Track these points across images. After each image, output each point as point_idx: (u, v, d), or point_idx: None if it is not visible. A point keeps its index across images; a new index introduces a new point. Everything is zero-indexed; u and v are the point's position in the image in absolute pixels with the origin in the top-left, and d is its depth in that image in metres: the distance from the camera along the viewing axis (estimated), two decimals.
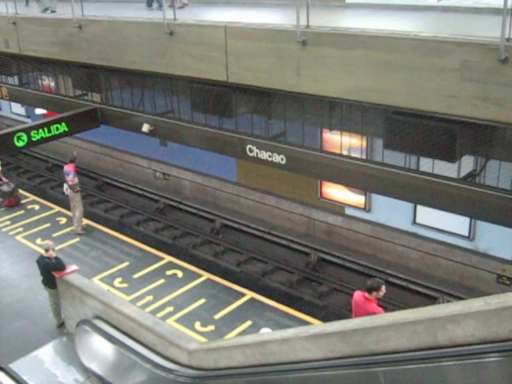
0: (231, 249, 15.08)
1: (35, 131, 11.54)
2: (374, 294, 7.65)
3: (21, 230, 15.37)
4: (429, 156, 7.66)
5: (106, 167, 20.55)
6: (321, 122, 9.11)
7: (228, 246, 15.16)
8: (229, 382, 6.88)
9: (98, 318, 9.34)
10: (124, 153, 19.83)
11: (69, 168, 14.69)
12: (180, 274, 12.95)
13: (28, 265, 12.95)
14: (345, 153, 9.25)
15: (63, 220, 15.86)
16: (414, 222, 13.12)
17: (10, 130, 11.96)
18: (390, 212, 13.36)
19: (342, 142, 9.34)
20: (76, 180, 14.68)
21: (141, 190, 18.62)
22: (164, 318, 11.06)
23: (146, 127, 11.20)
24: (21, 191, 17.51)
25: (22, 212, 16.51)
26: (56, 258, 10.40)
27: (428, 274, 12.93)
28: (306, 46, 7.62)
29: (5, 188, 16.81)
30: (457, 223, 12.00)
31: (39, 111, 16.72)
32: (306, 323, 10.83)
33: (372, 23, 7.92)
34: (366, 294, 7.71)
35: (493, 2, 8.57)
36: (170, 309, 11.60)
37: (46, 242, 11.44)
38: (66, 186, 14.98)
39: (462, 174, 8.05)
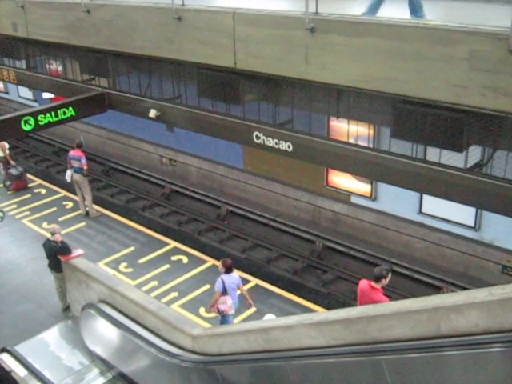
0: (236, 235, 15.12)
1: (42, 115, 11.54)
2: (383, 281, 7.66)
3: (27, 213, 15.44)
4: (436, 145, 7.63)
5: (112, 152, 20.58)
6: (328, 110, 9.08)
7: (233, 233, 15.19)
8: (232, 367, 6.92)
9: (103, 302, 9.39)
10: (131, 138, 19.85)
11: (78, 153, 14.73)
12: (185, 259, 13.00)
13: (34, 248, 13.03)
14: (352, 141, 9.23)
15: (69, 204, 15.93)
16: (420, 212, 13.11)
17: (17, 113, 11.97)
18: (396, 201, 13.34)
19: (349, 130, 9.32)
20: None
21: (147, 175, 18.65)
22: (169, 303, 11.13)
23: (153, 113, 11.18)
24: (28, 175, 17.56)
25: (29, 196, 16.59)
26: (62, 241, 10.47)
27: (433, 264, 12.93)
28: (314, 33, 7.56)
29: (13, 171, 16.89)
30: (462, 213, 11.98)
31: (46, 95, 16.70)
32: (310, 310, 10.88)
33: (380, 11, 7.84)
34: (373, 283, 7.71)
35: None
36: (174, 294, 11.66)
37: (53, 225, 11.52)
38: (69, 172, 14.99)
39: (469, 164, 8.02)
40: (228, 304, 9.42)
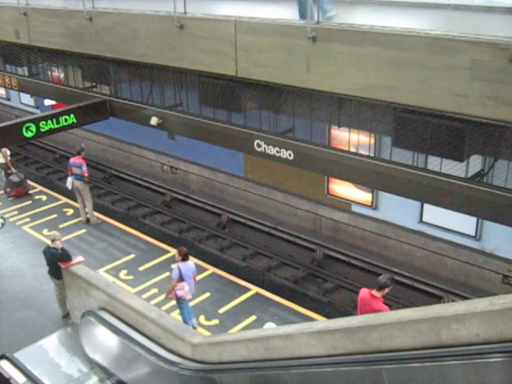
0: (237, 243, 15.10)
1: (44, 122, 11.56)
2: (385, 290, 7.66)
3: (28, 220, 15.44)
4: (437, 155, 7.63)
5: (113, 159, 20.59)
6: (329, 119, 9.09)
7: (234, 241, 15.17)
8: (232, 376, 6.89)
9: (103, 309, 9.37)
10: (132, 145, 19.87)
11: (79, 160, 14.75)
12: None
13: (34, 255, 13.02)
14: (353, 150, 9.23)
15: (70, 211, 15.92)
16: (421, 221, 13.09)
17: (19, 120, 11.99)
18: (397, 210, 13.33)
19: (350, 139, 9.31)
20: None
21: (148, 182, 18.65)
22: (169, 311, 11.08)
23: (154, 120, 11.20)
24: (29, 182, 17.57)
25: (30, 202, 16.59)
26: (62, 248, 10.45)
27: (433, 273, 12.91)
28: (316, 41, 7.59)
29: (14, 178, 16.91)
30: (463, 223, 11.96)
31: (48, 102, 16.75)
32: (311, 319, 10.84)
33: (382, 20, 7.86)
34: (373, 292, 7.70)
35: (505, 1, 8.52)
36: (174, 302, 11.61)
37: (53, 232, 11.51)
38: (70, 179, 14.99)
39: (470, 174, 8.01)
40: (185, 289, 10.05)
